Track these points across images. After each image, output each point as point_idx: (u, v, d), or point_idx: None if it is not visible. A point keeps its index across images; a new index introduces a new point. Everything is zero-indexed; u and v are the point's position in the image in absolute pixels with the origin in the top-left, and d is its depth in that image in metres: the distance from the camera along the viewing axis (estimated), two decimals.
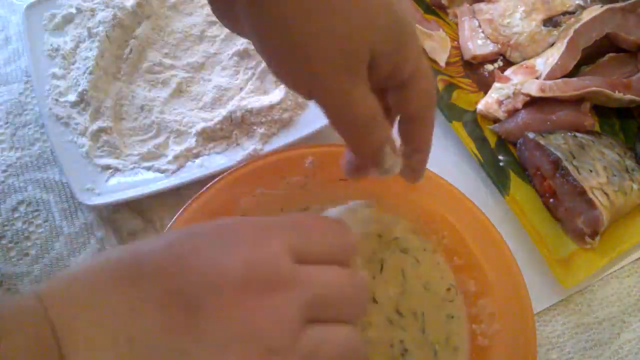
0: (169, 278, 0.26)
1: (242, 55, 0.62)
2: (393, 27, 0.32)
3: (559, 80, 0.58)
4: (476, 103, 0.60)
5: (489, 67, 0.64)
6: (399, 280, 0.47)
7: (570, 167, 0.51)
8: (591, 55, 0.61)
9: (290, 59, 0.31)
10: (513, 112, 0.58)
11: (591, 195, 0.50)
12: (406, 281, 0.47)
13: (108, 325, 0.24)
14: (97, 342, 0.24)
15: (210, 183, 0.49)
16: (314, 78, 0.31)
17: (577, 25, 0.60)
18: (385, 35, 0.31)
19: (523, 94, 0.58)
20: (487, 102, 0.59)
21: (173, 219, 0.48)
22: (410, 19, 0.33)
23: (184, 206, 0.49)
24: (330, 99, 0.32)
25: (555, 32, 0.62)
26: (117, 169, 0.55)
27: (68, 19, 0.64)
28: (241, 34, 0.36)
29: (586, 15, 0.61)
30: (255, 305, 0.26)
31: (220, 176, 0.50)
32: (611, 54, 0.62)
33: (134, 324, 0.25)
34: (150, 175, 0.55)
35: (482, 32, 0.64)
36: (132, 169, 0.56)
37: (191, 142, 0.56)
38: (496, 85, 0.60)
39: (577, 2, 0.64)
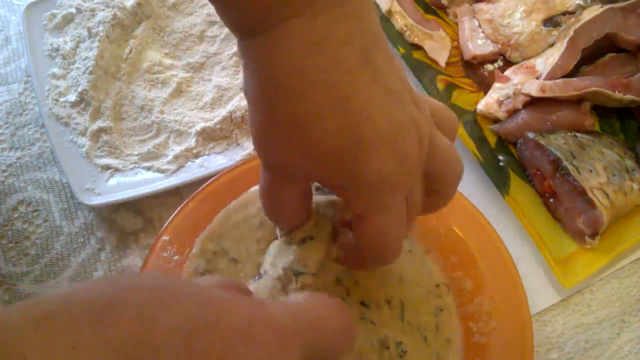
0: None
1: None
2: (336, 165, 0.30)
3: (559, 80, 0.58)
4: (476, 103, 0.60)
5: (489, 67, 0.64)
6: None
7: (570, 167, 0.51)
8: (591, 55, 0.61)
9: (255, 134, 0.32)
10: (513, 112, 0.58)
11: (591, 195, 0.50)
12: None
13: None
14: None
15: (206, 183, 0.49)
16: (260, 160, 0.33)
17: (577, 25, 0.60)
18: (323, 169, 0.31)
19: (523, 94, 0.58)
20: (487, 102, 0.59)
21: (170, 219, 0.48)
22: (377, 170, 0.30)
23: (181, 205, 0.49)
24: (260, 189, 0.34)
25: (555, 32, 0.62)
26: (117, 169, 0.55)
27: (68, 19, 0.64)
28: None
29: (586, 15, 0.61)
30: None
31: (217, 175, 0.50)
32: (611, 54, 0.62)
33: None
34: (150, 175, 0.55)
35: (482, 32, 0.64)
36: (132, 169, 0.56)
37: (191, 142, 0.56)
38: (496, 85, 0.60)
39: (577, 2, 0.64)
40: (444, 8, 0.68)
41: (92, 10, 0.63)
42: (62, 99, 0.59)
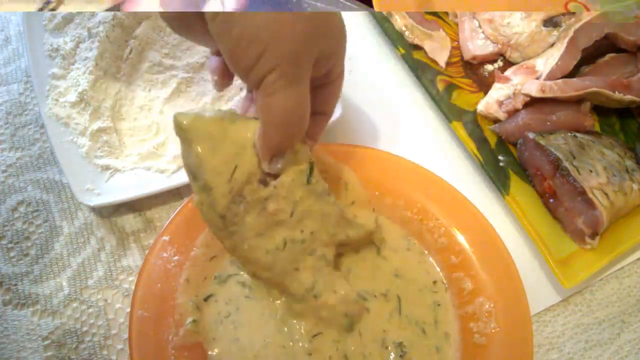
0: None
1: None
2: (332, 33, 0.37)
3: (559, 80, 0.58)
4: (476, 103, 0.60)
5: (489, 67, 0.64)
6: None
7: (570, 167, 0.51)
8: (591, 55, 0.61)
9: (244, 56, 0.35)
10: (513, 113, 0.58)
11: (591, 196, 0.50)
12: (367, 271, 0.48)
13: None
14: None
15: None
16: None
17: (577, 26, 0.60)
18: (328, 39, 0.37)
19: (523, 94, 0.58)
20: (487, 103, 0.59)
21: (170, 219, 0.48)
22: (340, 28, 0.38)
23: (180, 205, 0.49)
24: (287, 108, 0.36)
25: (555, 32, 0.62)
26: (117, 169, 0.55)
27: (68, 19, 0.64)
28: (201, 44, 0.43)
29: (586, 15, 0.61)
30: None
31: None
32: (611, 54, 0.62)
33: None
34: (150, 175, 0.55)
35: (482, 32, 0.64)
36: (132, 169, 0.56)
37: None
38: (496, 85, 0.60)
39: None
40: None
41: None
42: (62, 99, 0.59)
